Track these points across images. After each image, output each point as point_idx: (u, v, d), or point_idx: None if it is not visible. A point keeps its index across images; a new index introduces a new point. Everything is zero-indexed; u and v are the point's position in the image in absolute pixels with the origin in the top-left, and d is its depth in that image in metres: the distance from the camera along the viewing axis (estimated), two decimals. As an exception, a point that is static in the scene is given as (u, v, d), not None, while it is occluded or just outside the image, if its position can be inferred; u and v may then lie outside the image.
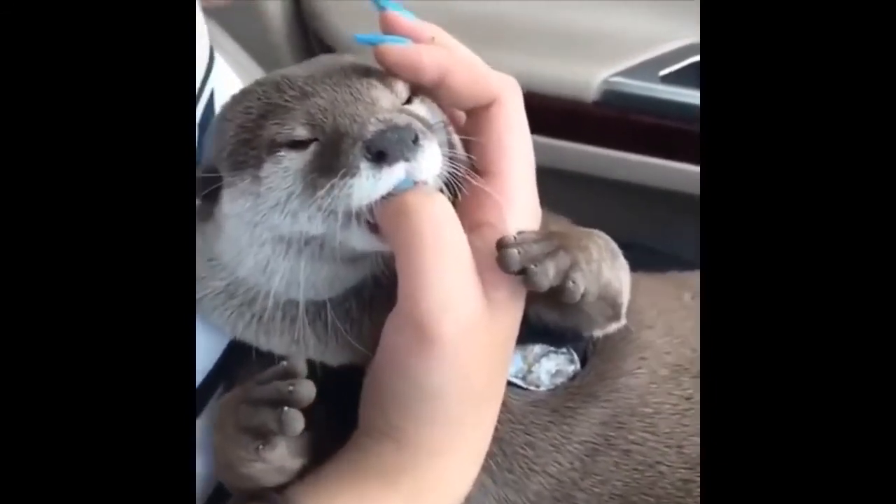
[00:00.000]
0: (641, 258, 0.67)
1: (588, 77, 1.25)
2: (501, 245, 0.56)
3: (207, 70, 0.79)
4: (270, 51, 1.45)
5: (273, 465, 0.58)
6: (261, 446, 0.57)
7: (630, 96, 1.23)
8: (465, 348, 0.56)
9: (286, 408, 0.55)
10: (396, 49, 0.58)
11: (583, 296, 0.57)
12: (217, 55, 0.84)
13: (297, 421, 0.55)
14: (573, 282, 0.57)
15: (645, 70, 1.24)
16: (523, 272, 0.56)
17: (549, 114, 1.21)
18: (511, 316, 0.60)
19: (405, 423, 0.57)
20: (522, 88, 0.62)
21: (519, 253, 0.56)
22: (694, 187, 1.22)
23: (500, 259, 0.56)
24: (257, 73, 1.19)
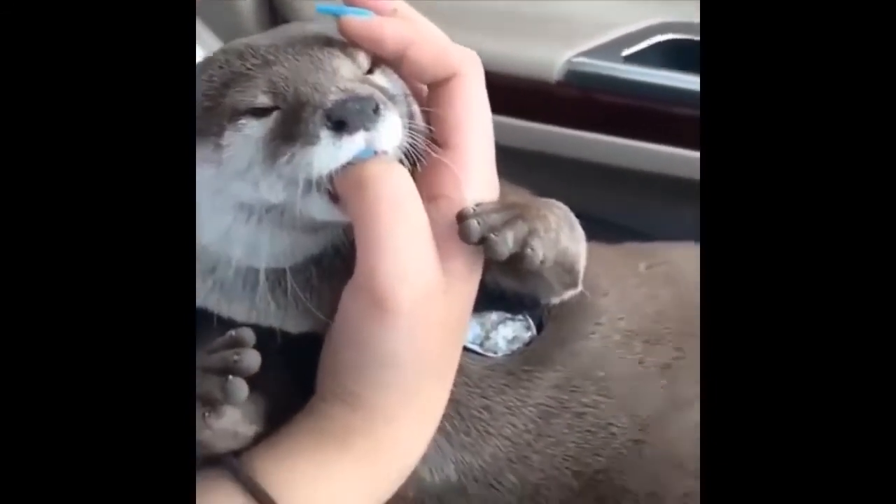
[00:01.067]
0: (599, 230, 0.68)
1: (551, 57, 1.25)
2: (461, 217, 0.57)
3: None
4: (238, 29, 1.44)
5: (225, 430, 0.58)
6: (206, 414, 0.57)
7: (593, 76, 1.24)
8: (421, 317, 0.56)
9: (231, 377, 0.55)
10: (358, 21, 0.58)
11: (541, 262, 0.59)
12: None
13: (240, 390, 0.55)
14: (532, 249, 0.58)
15: (608, 50, 1.25)
16: (482, 241, 0.57)
17: (512, 94, 1.21)
18: (467, 286, 0.61)
19: (360, 388, 0.58)
20: (485, 68, 0.62)
21: (478, 223, 0.57)
22: (657, 166, 1.23)
23: (461, 231, 0.57)
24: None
